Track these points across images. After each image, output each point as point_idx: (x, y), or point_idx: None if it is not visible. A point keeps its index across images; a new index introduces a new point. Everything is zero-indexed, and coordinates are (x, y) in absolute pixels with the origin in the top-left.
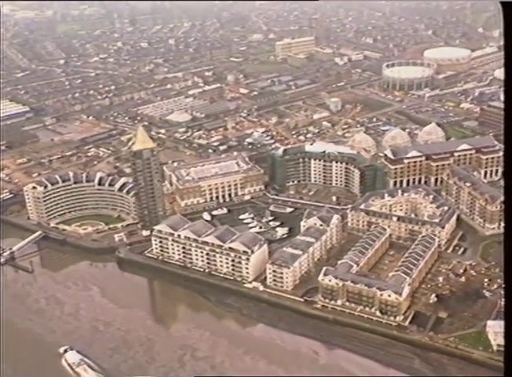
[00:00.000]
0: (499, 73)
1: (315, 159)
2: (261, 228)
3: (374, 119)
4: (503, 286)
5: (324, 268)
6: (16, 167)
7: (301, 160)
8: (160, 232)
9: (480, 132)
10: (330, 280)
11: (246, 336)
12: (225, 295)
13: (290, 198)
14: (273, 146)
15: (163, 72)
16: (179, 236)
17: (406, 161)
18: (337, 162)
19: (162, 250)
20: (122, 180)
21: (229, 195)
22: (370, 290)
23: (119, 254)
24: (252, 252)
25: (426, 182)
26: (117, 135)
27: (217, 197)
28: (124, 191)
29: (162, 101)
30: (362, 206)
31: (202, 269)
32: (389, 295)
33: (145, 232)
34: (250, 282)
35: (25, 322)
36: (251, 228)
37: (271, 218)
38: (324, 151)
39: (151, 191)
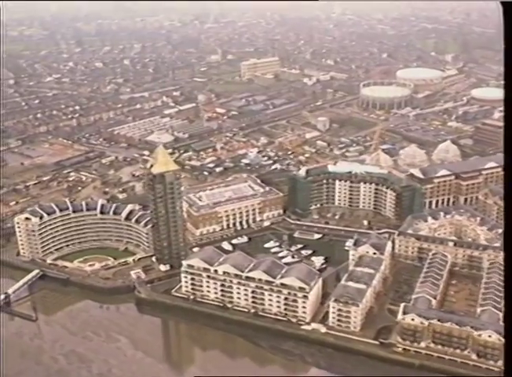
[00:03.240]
0: (476, 93)
1: (340, 180)
2: (293, 257)
3: (368, 138)
4: (503, 286)
5: (402, 304)
6: None
7: (324, 181)
8: (191, 267)
9: (479, 150)
10: (413, 319)
11: None
12: (280, 340)
13: (315, 223)
14: (272, 167)
15: (127, 92)
16: (216, 271)
17: (436, 180)
18: (365, 182)
19: (193, 289)
20: (129, 207)
21: (247, 221)
22: (462, 330)
23: (139, 294)
24: (310, 288)
25: (454, 202)
26: (96, 158)
27: (234, 224)
28: (133, 220)
29: (137, 122)
30: (410, 231)
31: (246, 310)
32: (490, 336)
33: (163, 267)
34: (307, 323)
35: None
36: (282, 258)
37: (300, 246)
38: (351, 172)
39: (174, 219)
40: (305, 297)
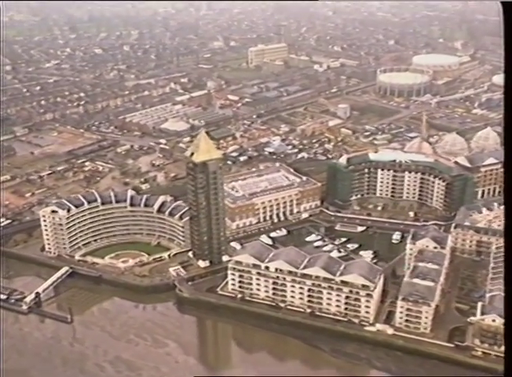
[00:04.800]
0: (497, 79)
1: (382, 169)
2: (340, 251)
3: (393, 126)
4: (504, 286)
5: (479, 304)
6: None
7: (366, 171)
8: (239, 263)
9: None
10: (494, 320)
11: None
12: (342, 342)
13: (356, 215)
14: (299, 156)
15: (132, 79)
16: (267, 267)
17: (483, 169)
18: (410, 171)
19: (241, 287)
20: (161, 198)
21: (284, 213)
22: None
23: (181, 293)
24: (375, 286)
25: (499, 192)
26: (110, 147)
27: (271, 216)
28: (166, 212)
29: (149, 109)
30: (467, 223)
31: (301, 310)
32: None
33: (203, 263)
34: (371, 324)
35: None
36: (327, 252)
37: (344, 240)
38: (395, 160)
39: (216, 212)
40: (369, 295)
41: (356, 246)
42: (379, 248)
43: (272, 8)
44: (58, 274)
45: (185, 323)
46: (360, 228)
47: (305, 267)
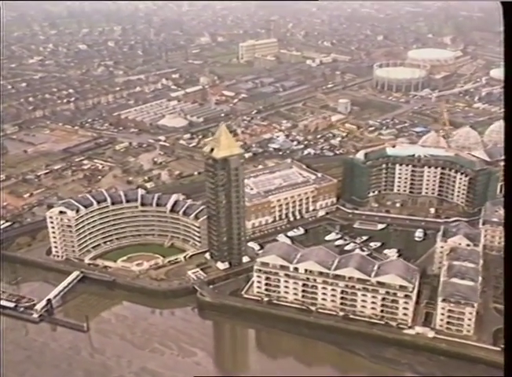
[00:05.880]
0: (495, 73)
1: (400, 164)
2: (363, 250)
3: (397, 121)
4: (504, 286)
5: None
6: None
7: (383, 166)
8: (266, 264)
9: None
10: None
11: None
12: (380, 347)
13: (375, 212)
14: (305, 152)
15: (122, 75)
16: (296, 269)
17: (503, 163)
18: (430, 166)
19: (268, 290)
20: (174, 197)
21: (299, 211)
22: None
23: (203, 297)
24: (413, 287)
25: None
26: (107, 144)
27: (287, 214)
28: (180, 212)
29: (144, 105)
30: (495, 219)
31: (334, 313)
32: None
33: (222, 265)
34: (410, 327)
35: None
36: (350, 251)
37: (365, 238)
38: (413, 155)
39: (237, 211)
40: (407, 297)
41: (378, 244)
42: (403, 246)
43: (255, 4)
44: (69, 279)
45: (210, 330)
46: (379, 226)
47: (336, 268)
